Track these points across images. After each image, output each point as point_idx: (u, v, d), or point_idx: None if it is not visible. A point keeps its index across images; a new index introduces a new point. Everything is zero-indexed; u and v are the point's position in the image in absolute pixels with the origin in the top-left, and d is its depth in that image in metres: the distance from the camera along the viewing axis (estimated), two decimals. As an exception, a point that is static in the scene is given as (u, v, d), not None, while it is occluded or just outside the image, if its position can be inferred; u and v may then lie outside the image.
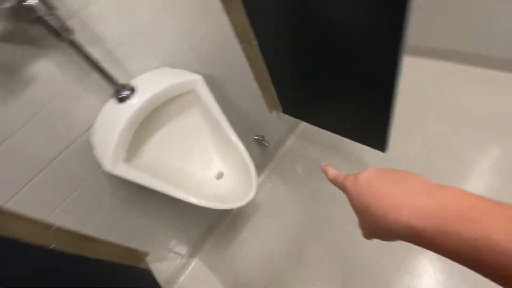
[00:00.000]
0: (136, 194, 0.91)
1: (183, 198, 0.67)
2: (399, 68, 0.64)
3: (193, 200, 0.67)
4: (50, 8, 0.49)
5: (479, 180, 1.07)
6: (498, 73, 1.29)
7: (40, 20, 0.49)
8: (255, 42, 0.97)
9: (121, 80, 0.68)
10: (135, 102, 0.63)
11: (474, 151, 1.14)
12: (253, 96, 1.16)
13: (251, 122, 1.24)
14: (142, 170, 0.68)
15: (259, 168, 1.44)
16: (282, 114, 1.31)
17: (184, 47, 0.83)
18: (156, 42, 0.76)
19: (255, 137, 1.27)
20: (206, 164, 0.88)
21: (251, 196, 0.70)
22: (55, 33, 0.51)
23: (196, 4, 0.80)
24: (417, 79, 1.42)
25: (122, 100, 0.65)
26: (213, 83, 0.97)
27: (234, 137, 0.78)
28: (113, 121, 0.64)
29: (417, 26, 1.36)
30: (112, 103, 0.68)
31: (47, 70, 0.60)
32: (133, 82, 0.72)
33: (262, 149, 1.37)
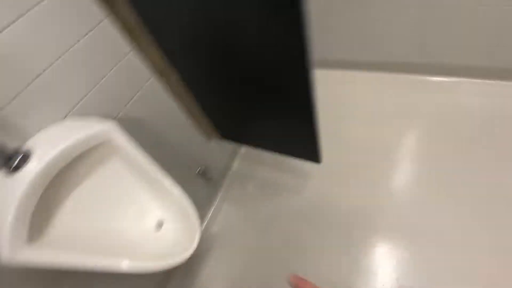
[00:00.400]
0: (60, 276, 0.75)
1: (113, 269, 0.57)
2: (312, 82, 0.66)
3: (123, 267, 0.57)
4: None
5: (406, 169, 1.21)
6: (399, 75, 1.50)
7: None
8: (175, 76, 0.93)
9: (13, 143, 0.57)
10: (30, 170, 0.53)
11: (395, 145, 1.28)
12: (186, 128, 1.11)
13: (191, 154, 1.17)
14: (56, 247, 0.57)
15: (208, 201, 1.36)
16: (221, 140, 1.28)
17: (92, 91, 0.75)
18: (57, 92, 0.67)
19: (198, 171, 1.21)
20: (141, 216, 0.78)
21: (194, 245, 0.64)
22: None
23: (98, 44, 0.73)
24: (332, 90, 1.55)
25: (13, 170, 0.54)
26: (136, 125, 0.89)
27: (167, 182, 0.72)
28: (4, 198, 0.52)
29: (323, 41, 1.52)
30: (2, 175, 0.56)
31: None
32: (30, 143, 0.60)
33: (208, 181, 1.31)
